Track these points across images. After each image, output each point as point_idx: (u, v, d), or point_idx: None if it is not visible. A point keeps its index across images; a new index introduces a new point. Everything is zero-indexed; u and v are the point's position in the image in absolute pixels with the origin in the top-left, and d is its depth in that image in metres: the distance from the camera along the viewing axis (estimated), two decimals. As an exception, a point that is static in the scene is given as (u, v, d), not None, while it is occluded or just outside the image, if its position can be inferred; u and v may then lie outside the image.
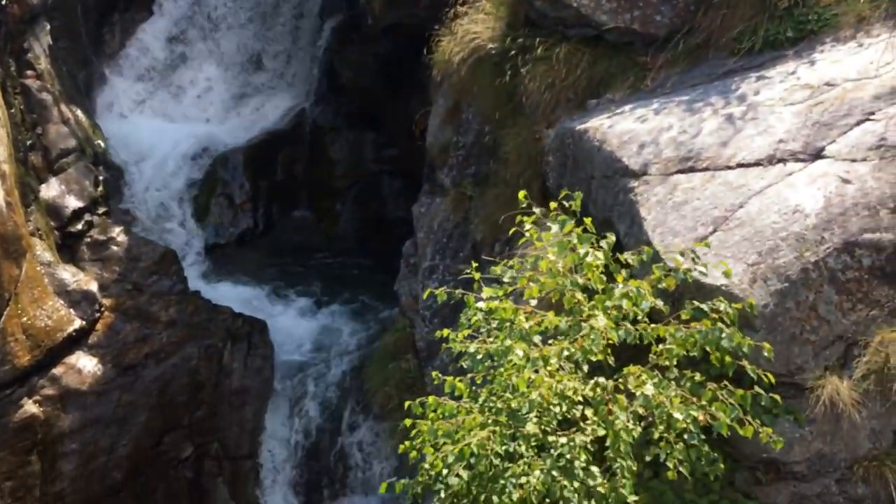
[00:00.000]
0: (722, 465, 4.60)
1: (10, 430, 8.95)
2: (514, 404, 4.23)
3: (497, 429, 4.18)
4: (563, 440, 4.15)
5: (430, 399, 4.48)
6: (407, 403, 4.55)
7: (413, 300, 7.01)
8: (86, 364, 9.60)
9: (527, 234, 4.65)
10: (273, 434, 9.85)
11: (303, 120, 15.09)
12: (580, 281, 4.45)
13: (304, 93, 15.60)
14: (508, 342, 4.33)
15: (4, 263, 8.99)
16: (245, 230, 13.86)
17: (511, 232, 4.93)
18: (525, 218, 4.63)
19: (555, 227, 4.51)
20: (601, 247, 4.65)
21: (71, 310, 9.79)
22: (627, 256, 4.66)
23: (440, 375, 4.56)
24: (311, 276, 12.87)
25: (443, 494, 4.32)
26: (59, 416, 9.33)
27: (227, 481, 9.98)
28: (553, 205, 4.70)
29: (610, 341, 4.33)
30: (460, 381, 4.50)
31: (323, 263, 13.42)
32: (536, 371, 4.21)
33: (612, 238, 4.66)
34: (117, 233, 11.28)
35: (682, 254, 4.67)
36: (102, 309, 10.12)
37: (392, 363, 6.87)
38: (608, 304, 4.36)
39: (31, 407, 9.14)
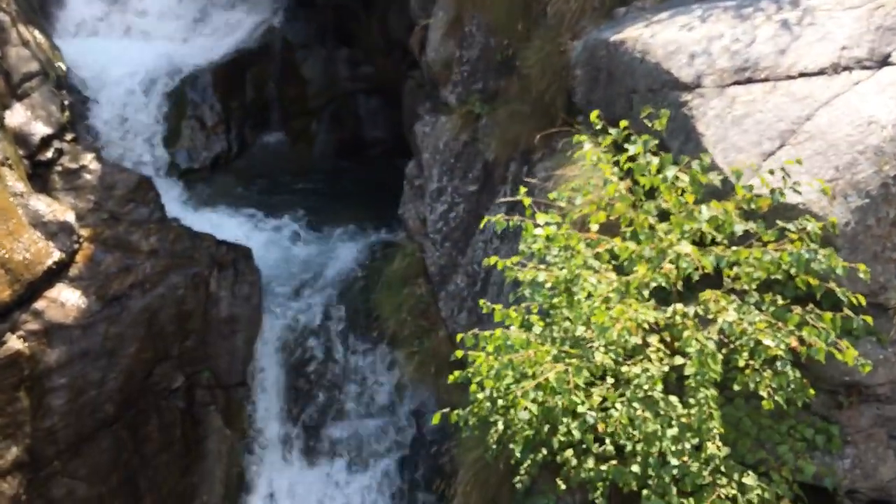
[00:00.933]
0: (812, 392, 4.44)
1: (-5, 367, 8.74)
2: (582, 334, 4.10)
3: (574, 361, 4.06)
4: (637, 370, 4.05)
5: (497, 332, 4.29)
6: (460, 336, 4.37)
7: (421, 223, 6.81)
8: (69, 297, 9.31)
9: (572, 154, 4.45)
10: (266, 361, 9.73)
11: (272, 36, 14.57)
12: (653, 206, 4.27)
13: (272, 8, 15.04)
14: (578, 270, 4.17)
15: (-23, 195, 8.61)
16: (219, 154, 13.45)
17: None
18: (580, 137, 4.41)
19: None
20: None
21: (49, 242, 9.43)
22: (700, 173, 4.39)
23: (488, 304, 4.40)
24: (292, 201, 12.55)
25: (500, 426, 4.23)
26: (45, 350, 9.08)
27: (220, 409, 9.85)
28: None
29: (703, 269, 4.16)
30: (514, 310, 4.36)
31: (302, 187, 13.09)
32: (607, 301, 4.06)
33: (668, 157, 4.47)
34: (89, 160, 10.83)
35: (758, 172, 4.38)
36: (81, 240, 9.77)
37: (403, 289, 6.71)
38: (686, 228, 4.21)
39: (15, 343, 8.88)
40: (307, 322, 9.80)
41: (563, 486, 4.29)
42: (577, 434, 4.13)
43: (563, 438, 4.20)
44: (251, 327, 9.94)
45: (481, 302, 4.54)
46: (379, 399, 9.51)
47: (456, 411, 4.49)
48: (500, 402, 4.24)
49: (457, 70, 6.62)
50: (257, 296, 9.96)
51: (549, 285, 4.31)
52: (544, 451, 4.39)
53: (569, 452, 4.26)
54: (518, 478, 4.53)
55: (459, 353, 4.40)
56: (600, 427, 4.09)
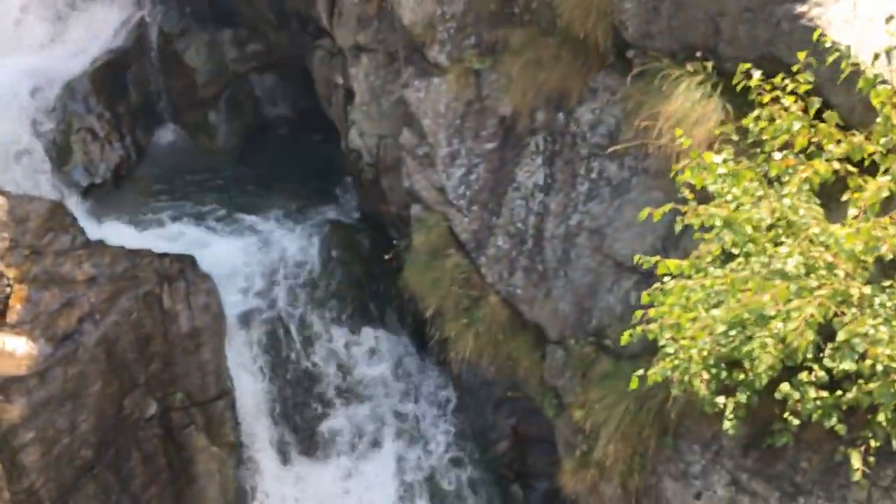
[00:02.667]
0: None
1: (-45, 438, 7.91)
2: (825, 258, 3.94)
3: (824, 292, 3.90)
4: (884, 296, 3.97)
5: (679, 285, 4.05)
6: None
7: (438, 192, 6.47)
8: (15, 345, 8.49)
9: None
10: (240, 368, 9.24)
11: (145, 30, 13.62)
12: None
13: (134, 1, 14.05)
14: (790, 200, 4.02)
15: None
16: (119, 163, 12.56)
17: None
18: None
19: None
20: None
21: (-22, 291, 8.60)
22: None
23: (661, 259, 4.18)
24: (212, 199, 11.88)
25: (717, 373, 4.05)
26: (4, 407, 8.25)
27: (202, 428, 9.31)
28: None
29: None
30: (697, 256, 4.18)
31: (217, 182, 12.41)
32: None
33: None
34: (-10, 195, 9.89)
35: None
36: (10, 282, 8.94)
37: (435, 262, 6.40)
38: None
39: (-30, 407, 8.08)
40: (278, 318, 9.36)
41: (796, 421, 4.24)
42: (845, 365, 4.06)
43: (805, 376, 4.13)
44: (216, 337, 9.39)
45: (653, 260, 4.24)
46: (363, 380, 9.26)
47: (653, 371, 4.31)
48: (712, 348, 4.08)
49: (441, 28, 6.29)
50: (216, 303, 9.40)
51: (760, 217, 4.15)
52: (748, 393, 4.34)
53: (785, 386, 4.21)
54: (728, 421, 4.46)
55: (639, 330, 4.17)
56: (871, 353, 4.03)
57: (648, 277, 5.10)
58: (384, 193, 10.36)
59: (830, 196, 4.43)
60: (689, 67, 4.60)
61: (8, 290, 8.79)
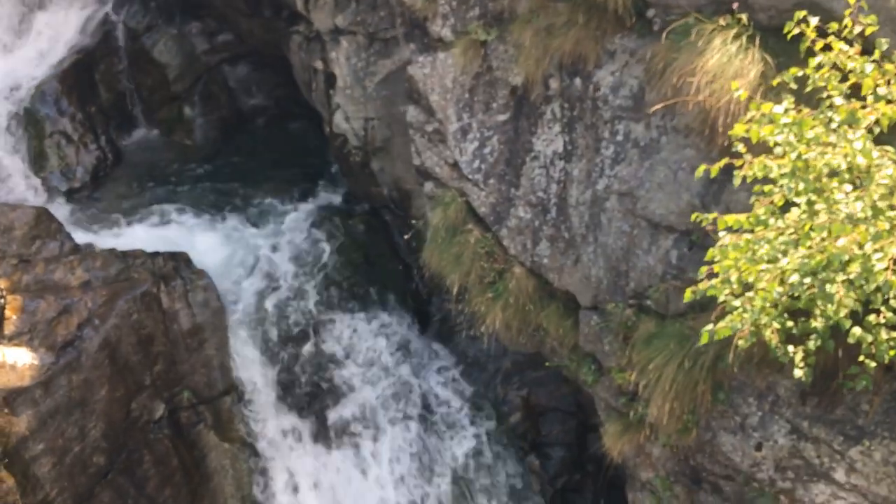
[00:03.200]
0: None
1: (-35, 455, 7.76)
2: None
3: None
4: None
5: (744, 238, 4.01)
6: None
7: (451, 168, 6.38)
8: (16, 357, 8.32)
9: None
10: (245, 362, 9.15)
11: (110, 28, 13.32)
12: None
13: (95, -2, 13.72)
14: (866, 144, 3.99)
15: None
16: (96, 165, 12.31)
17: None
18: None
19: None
20: None
21: (-28, 304, 8.40)
22: None
23: (719, 216, 4.14)
24: (197, 195, 11.69)
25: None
26: (12, 421, 8.11)
27: (210, 425, 9.22)
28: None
29: None
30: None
31: (197, 176, 12.21)
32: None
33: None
34: (-28, 207, 9.65)
35: None
36: (3, 294, 8.75)
37: (455, 238, 6.33)
38: None
39: (-23, 423, 7.92)
40: (279, 308, 9.27)
41: (873, 364, 4.25)
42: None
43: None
44: (218, 332, 9.28)
45: (711, 217, 4.17)
46: (371, 365, 9.22)
47: (723, 323, 4.27)
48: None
49: (443, 2, 6.17)
50: (214, 298, 9.28)
51: (833, 163, 4.12)
52: (818, 340, 4.35)
53: (857, 330, 4.23)
54: (799, 369, 4.39)
55: (704, 287, 4.15)
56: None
57: (687, 235, 5.11)
58: (374, 176, 10.28)
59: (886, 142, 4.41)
60: (722, 21, 4.57)
61: (2, 301, 8.62)
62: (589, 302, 5.97)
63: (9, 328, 8.55)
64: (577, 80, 5.64)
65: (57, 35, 13.49)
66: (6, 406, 8.11)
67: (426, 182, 6.63)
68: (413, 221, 6.72)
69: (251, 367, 9.15)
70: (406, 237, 6.67)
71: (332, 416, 9.07)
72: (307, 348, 9.21)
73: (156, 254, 9.50)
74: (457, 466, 8.86)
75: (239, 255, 9.99)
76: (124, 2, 13.26)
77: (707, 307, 4.84)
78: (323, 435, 9.07)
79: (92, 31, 13.23)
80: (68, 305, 8.81)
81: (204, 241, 10.27)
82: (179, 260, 9.51)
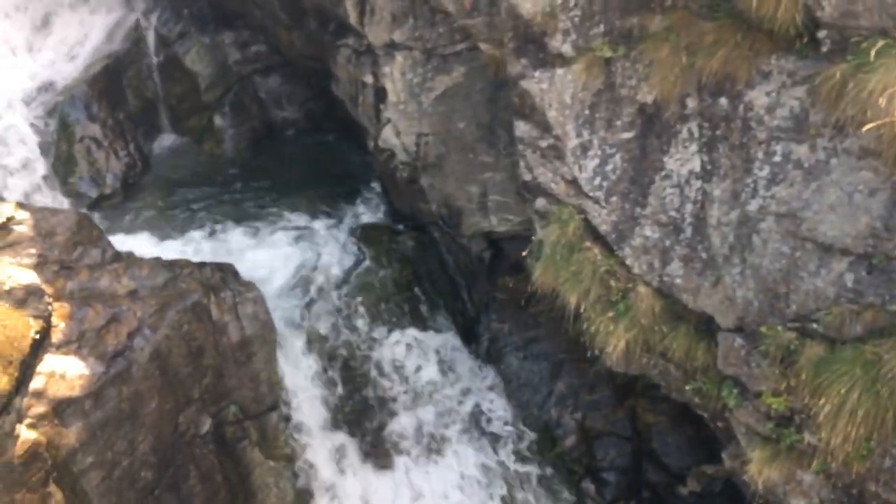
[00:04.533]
0: None
1: (17, 467, 7.41)
2: None
3: None
4: None
5: None
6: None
7: (569, 185, 6.28)
8: (66, 366, 8.04)
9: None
10: (293, 377, 8.95)
11: (140, 34, 13.13)
12: None
13: (125, 4, 13.53)
14: None
15: (-59, 277, 7.18)
16: (126, 172, 12.06)
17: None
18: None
19: None
20: None
21: (21, 310, 8.10)
22: None
23: None
24: (229, 203, 11.50)
25: None
26: (61, 432, 7.82)
27: (256, 442, 9.00)
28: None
29: None
30: None
31: (230, 187, 12.02)
32: None
33: None
34: (12, 210, 9.32)
35: None
36: (50, 300, 8.48)
37: (573, 255, 6.22)
38: None
39: (28, 433, 7.58)
40: (328, 324, 9.09)
41: None
42: None
43: None
44: (266, 346, 9.07)
45: None
46: (423, 384, 9.06)
47: None
48: None
49: (564, 18, 6.11)
50: (263, 311, 9.07)
51: None
52: None
53: None
54: None
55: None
56: None
57: (866, 258, 5.05)
58: (422, 192, 10.19)
59: None
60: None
61: (49, 308, 8.35)
62: (731, 324, 5.91)
63: (56, 336, 8.26)
64: (723, 100, 5.60)
65: (82, 39, 13.32)
66: (56, 417, 7.83)
67: (537, 198, 6.54)
68: (534, 238, 6.58)
69: (299, 383, 8.95)
70: (524, 254, 6.53)
71: (382, 434, 8.89)
72: (356, 365, 9.05)
73: (202, 264, 9.29)
74: (510, 489, 8.72)
75: (283, 268, 9.81)
76: (156, 8, 13.13)
77: (892, 332, 4.79)
78: (372, 454, 8.88)
79: (121, 36, 13.09)
80: (117, 314, 8.54)
81: (244, 254, 10.08)
82: (227, 271, 9.30)
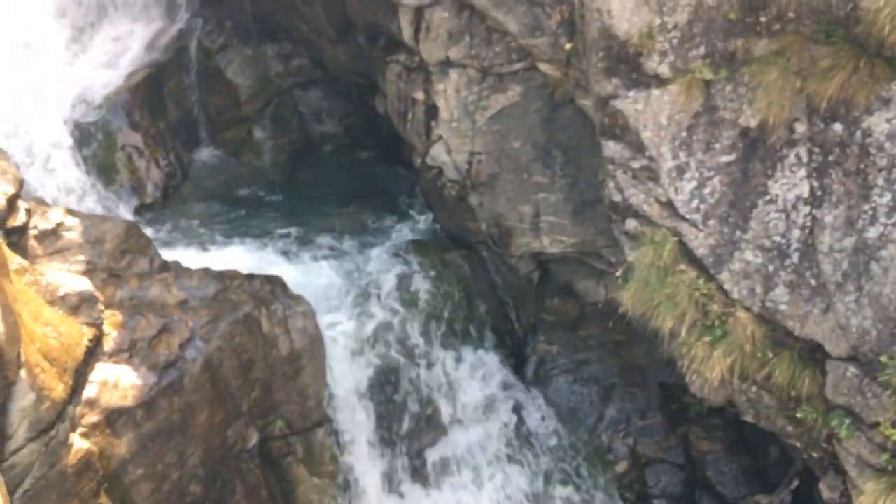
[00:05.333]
0: None
1: (70, 476, 7.27)
2: None
3: None
4: None
5: None
6: None
7: (663, 207, 6.22)
8: (118, 375, 7.93)
9: None
10: (341, 393, 8.83)
11: (183, 44, 13.11)
12: None
13: (167, 13, 13.51)
14: None
15: (2, 281, 7.07)
16: (167, 181, 11.98)
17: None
18: None
19: None
20: None
21: (75, 317, 7.99)
22: None
23: None
24: (271, 216, 11.40)
25: None
26: (113, 442, 7.71)
27: (301, 459, 8.87)
28: None
29: None
30: None
31: (270, 199, 11.93)
32: None
33: None
34: (62, 216, 9.20)
35: None
36: (102, 308, 8.38)
37: (667, 278, 6.16)
38: None
39: (81, 442, 7.46)
40: (377, 341, 8.98)
41: None
42: None
43: None
44: (315, 361, 8.97)
45: None
46: (474, 403, 8.96)
47: None
48: None
49: (662, 39, 6.09)
50: (313, 325, 8.98)
51: None
52: None
53: None
54: None
55: None
56: None
57: None
58: (471, 210, 10.13)
59: None
60: None
61: (101, 316, 8.25)
62: (844, 352, 5.83)
63: (108, 345, 8.16)
64: (837, 126, 5.57)
65: (123, 48, 13.28)
66: (108, 427, 7.71)
67: (627, 219, 6.49)
68: (626, 259, 6.50)
69: (347, 400, 8.84)
70: (618, 274, 6.44)
71: (430, 455, 8.78)
72: (406, 384, 8.94)
73: (252, 276, 9.21)
74: (558, 514, 8.61)
75: (331, 283, 9.72)
76: (198, 20, 13.11)
77: None
78: (420, 475, 8.76)
79: (163, 46, 13.06)
80: (168, 324, 8.45)
81: (288, 267, 9.99)
82: (276, 283, 9.21)
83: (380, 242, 10.33)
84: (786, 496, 8.27)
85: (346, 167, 12.54)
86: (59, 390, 7.34)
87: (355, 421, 8.81)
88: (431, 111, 10.15)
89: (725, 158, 6.06)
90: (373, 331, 9.08)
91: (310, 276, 9.67)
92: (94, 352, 8.03)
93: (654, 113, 6.18)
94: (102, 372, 7.95)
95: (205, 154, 12.92)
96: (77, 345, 7.77)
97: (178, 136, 12.66)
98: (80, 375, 7.73)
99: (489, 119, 9.34)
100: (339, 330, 9.11)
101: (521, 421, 9.07)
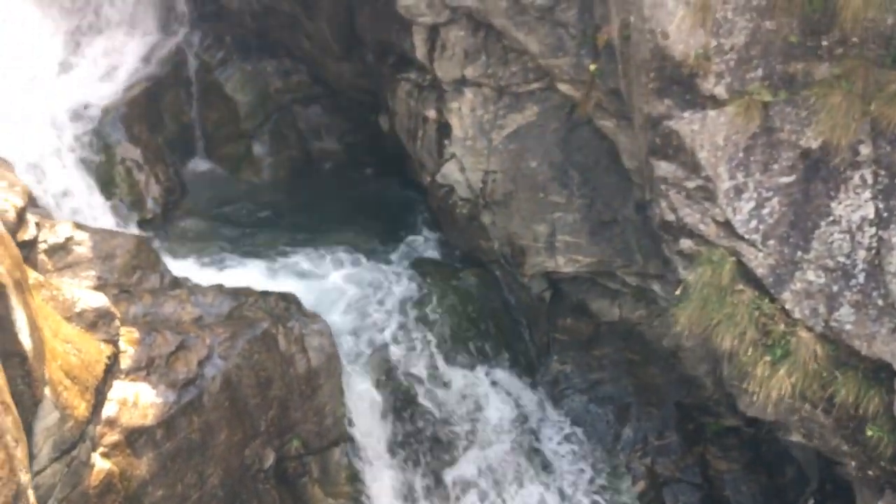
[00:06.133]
0: None
1: (92, 498, 7.03)
2: None
3: None
4: None
5: None
6: None
7: (720, 226, 6.26)
8: (137, 393, 7.71)
9: None
10: (357, 412, 8.72)
11: (181, 58, 12.95)
12: None
13: (159, 26, 13.36)
14: None
15: (27, 296, 6.86)
16: (166, 197, 11.77)
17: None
18: None
19: None
20: None
21: (92, 334, 7.79)
22: None
23: None
24: (275, 232, 11.26)
25: None
26: (133, 462, 7.48)
27: (316, 479, 8.72)
28: None
29: None
30: None
31: (272, 215, 11.79)
32: None
33: None
34: (70, 230, 8.99)
35: None
36: (118, 324, 8.18)
37: (726, 297, 6.19)
38: None
39: (103, 463, 7.24)
40: (392, 359, 8.91)
41: None
42: None
43: None
44: (332, 380, 8.84)
45: None
46: (495, 422, 8.90)
47: None
48: None
49: (718, 60, 6.17)
50: (329, 343, 8.86)
51: None
52: None
53: None
54: None
55: None
56: None
57: None
58: (483, 229, 10.13)
59: None
60: None
61: (118, 333, 8.04)
62: None
63: (125, 362, 7.95)
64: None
65: (117, 61, 13.09)
66: (129, 446, 7.49)
67: (681, 239, 6.53)
68: (680, 279, 6.53)
69: (363, 418, 8.73)
70: (677, 293, 6.41)
71: (448, 474, 8.69)
72: (422, 401, 8.86)
73: (266, 293, 9.08)
74: (579, 534, 8.58)
75: (340, 301, 9.63)
76: (196, 34, 12.98)
77: None
78: (438, 494, 8.68)
79: (159, 60, 12.89)
80: (185, 341, 8.26)
81: (301, 284, 9.87)
82: (291, 301, 9.10)
83: (390, 260, 10.27)
84: (803, 515, 8.39)
85: (348, 184, 12.46)
86: (81, 409, 7.13)
87: (372, 440, 8.71)
88: (444, 129, 10.16)
89: (785, 179, 6.17)
90: (389, 349, 9.01)
91: (322, 293, 9.57)
92: (111, 369, 7.84)
93: (710, 134, 6.27)
94: (121, 390, 7.75)
95: (200, 169, 12.74)
96: (97, 362, 7.56)
97: (174, 151, 12.51)
98: (99, 394, 7.53)
99: (505, 138, 9.38)
100: (352, 347, 9.03)
101: (538, 440, 9.05)
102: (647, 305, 9.15)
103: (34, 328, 6.72)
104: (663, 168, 6.51)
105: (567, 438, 9.12)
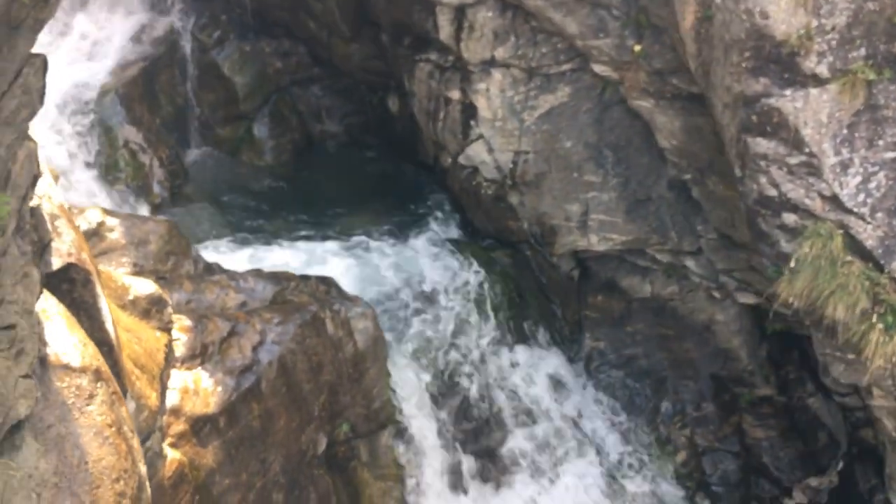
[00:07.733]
0: None
1: (167, 490, 6.83)
2: None
3: None
4: None
5: None
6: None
7: (827, 201, 6.41)
8: (196, 381, 7.53)
9: None
10: (404, 394, 8.69)
11: (175, 38, 12.53)
12: None
13: (146, 5, 12.89)
14: None
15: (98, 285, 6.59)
16: (172, 180, 11.40)
17: None
18: None
19: None
20: None
21: (148, 322, 7.54)
22: None
23: None
24: (291, 215, 11.07)
25: None
26: (199, 451, 7.29)
27: (365, 462, 8.67)
28: None
29: None
30: None
31: (283, 198, 11.58)
32: None
33: None
34: (101, 215, 8.69)
35: None
36: (171, 311, 7.93)
37: (836, 269, 6.35)
38: None
39: (173, 454, 7.05)
40: (435, 340, 8.90)
41: None
42: None
43: None
44: (378, 363, 8.79)
45: None
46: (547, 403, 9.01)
47: None
48: None
49: (820, 40, 6.32)
50: (374, 326, 8.80)
51: None
52: None
53: None
54: None
55: None
56: None
57: None
58: (512, 209, 10.18)
59: None
60: None
61: (171, 319, 7.81)
62: None
63: (179, 350, 7.75)
64: None
65: (104, 39, 12.61)
66: (194, 436, 7.32)
67: (784, 213, 6.70)
68: (779, 252, 6.66)
69: (410, 401, 8.72)
70: (785, 272, 6.55)
71: (496, 453, 8.77)
72: (467, 382, 8.90)
73: (306, 276, 8.97)
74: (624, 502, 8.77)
75: (375, 283, 9.56)
76: (191, 13, 12.57)
77: None
78: (485, 473, 8.73)
79: (153, 39, 12.46)
80: (234, 327, 8.09)
81: (328, 267, 9.74)
82: (331, 284, 9.00)
83: (419, 242, 10.21)
84: (834, 478, 8.80)
85: (354, 166, 12.29)
86: (153, 398, 6.92)
87: (419, 422, 8.71)
88: (468, 110, 10.16)
89: (891, 154, 6.44)
90: (428, 329, 9.01)
91: (357, 275, 9.48)
92: (168, 358, 7.65)
93: (813, 111, 6.48)
94: (180, 378, 7.55)
95: (196, 152, 12.40)
96: (158, 350, 7.34)
97: (173, 134, 12.14)
98: (161, 383, 7.34)
99: (538, 119, 9.45)
100: (395, 329, 9.00)
101: (581, 416, 9.21)
102: (677, 281, 9.41)
103: (112, 319, 6.51)
104: (762, 145, 6.71)
105: (609, 413, 9.32)
